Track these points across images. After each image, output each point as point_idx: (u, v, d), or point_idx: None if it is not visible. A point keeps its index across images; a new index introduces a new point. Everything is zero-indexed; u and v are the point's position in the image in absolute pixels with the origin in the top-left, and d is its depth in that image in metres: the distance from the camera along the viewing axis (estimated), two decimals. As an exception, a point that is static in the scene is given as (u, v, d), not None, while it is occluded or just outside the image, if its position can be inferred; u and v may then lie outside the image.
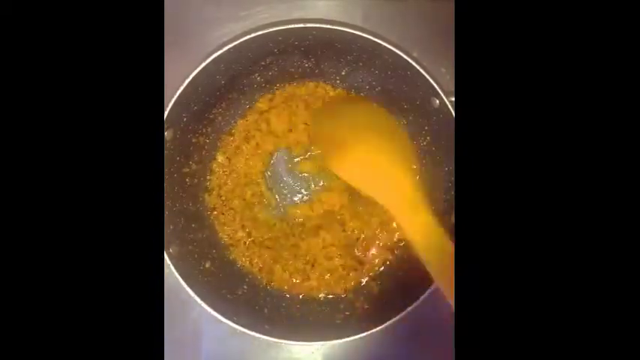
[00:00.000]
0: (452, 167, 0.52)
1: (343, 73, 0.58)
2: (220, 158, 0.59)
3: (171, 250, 0.49)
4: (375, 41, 0.49)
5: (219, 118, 0.58)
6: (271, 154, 0.60)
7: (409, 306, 0.49)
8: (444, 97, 0.49)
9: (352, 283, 0.58)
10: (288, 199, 0.60)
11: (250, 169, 0.59)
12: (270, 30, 0.49)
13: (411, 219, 0.47)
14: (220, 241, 0.58)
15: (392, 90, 0.57)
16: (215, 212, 0.59)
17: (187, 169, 0.55)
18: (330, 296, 0.58)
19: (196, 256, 0.54)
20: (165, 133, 0.49)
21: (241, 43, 0.49)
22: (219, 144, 0.59)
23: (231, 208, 0.59)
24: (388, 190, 0.50)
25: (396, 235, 0.58)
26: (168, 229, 0.50)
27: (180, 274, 0.47)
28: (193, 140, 0.56)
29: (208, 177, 0.59)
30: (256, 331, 0.49)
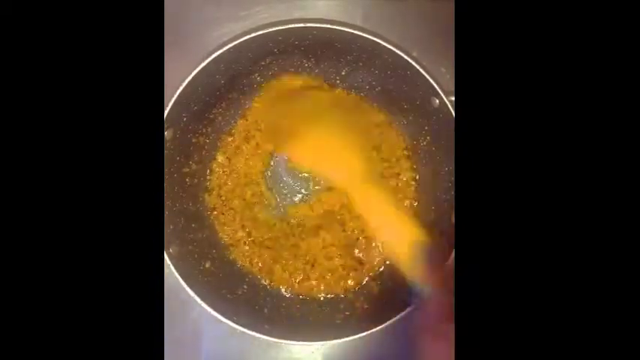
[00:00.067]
0: (452, 167, 0.52)
1: (343, 73, 0.58)
2: (220, 158, 0.59)
3: (171, 250, 0.49)
4: (375, 41, 0.49)
5: (219, 118, 0.58)
6: (271, 154, 0.60)
7: (409, 306, 0.48)
8: (443, 97, 0.49)
9: (352, 283, 0.58)
10: (288, 199, 0.60)
11: (250, 169, 0.59)
12: (270, 30, 0.49)
13: (363, 193, 0.48)
14: (220, 241, 0.58)
15: (392, 90, 0.57)
16: (215, 212, 0.59)
17: (187, 169, 0.55)
18: (330, 296, 0.58)
19: (196, 256, 0.54)
20: (165, 133, 0.49)
21: (241, 43, 0.49)
22: (219, 144, 0.59)
23: (231, 208, 0.59)
24: (340, 170, 0.51)
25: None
26: (168, 229, 0.50)
27: (180, 274, 0.47)
28: (193, 140, 0.56)
29: (208, 177, 0.59)
30: (256, 331, 0.49)
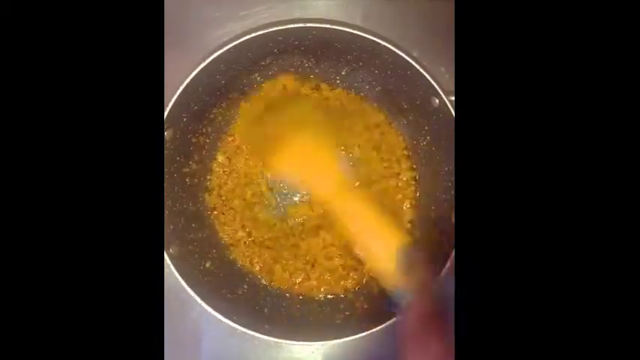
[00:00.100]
0: (452, 167, 0.52)
1: (343, 73, 0.58)
2: (220, 158, 0.59)
3: (171, 250, 0.49)
4: (374, 41, 0.49)
5: (219, 118, 0.58)
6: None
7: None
8: (443, 97, 0.49)
9: (352, 283, 0.58)
10: (288, 199, 0.60)
11: (250, 169, 0.59)
12: (270, 30, 0.49)
13: (342, 203, 0.48)
14: (220, 241, 0.58)
15: (392, 90, 0.57)
16: (215, 212, 0.59)
17: (187, 169, 0.55)
18: (330, 296, 0.58)
19: (196, 256, 0.54)
20: (165, 133, 0.49)
21: (241, 43, 0.49)
22: (219, 144, 0.59)
23: (232, 208, 0.59)
24: (319, 177, 0.51)
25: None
26: (168, 229, 0.50)
27: (180, 274, 0.47)
28: (193, 140, 0.56)
29: (208, 177, 0.59)
30: (256, 331, 0.49)
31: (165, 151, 0.50)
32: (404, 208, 0.59)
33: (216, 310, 0.48)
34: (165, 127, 0.48)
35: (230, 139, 0.59)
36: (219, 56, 0.49)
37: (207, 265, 0.55)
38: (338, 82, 0.59)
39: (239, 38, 0.49)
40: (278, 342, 0.49)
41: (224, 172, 0.59)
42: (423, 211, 0.58)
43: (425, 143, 0.57)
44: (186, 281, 0.47)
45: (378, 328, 0.48)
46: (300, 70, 0.58)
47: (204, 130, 0.57)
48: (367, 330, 0.49)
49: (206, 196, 0.58)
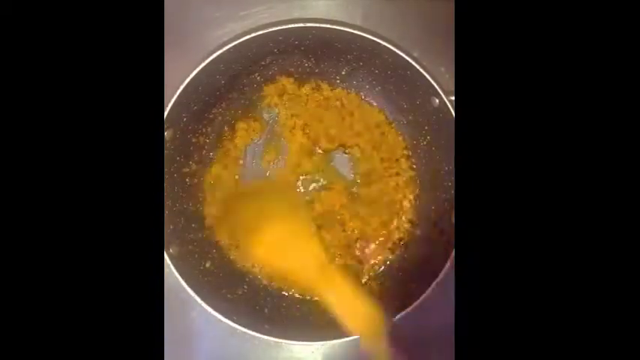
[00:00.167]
0: (452, 167, 0.52)
1: (343, 73, 0.58)
2: (218, 167, 0.59)
3: (171, 250, 0.49)
4: (374, 41, 0.49)
5: (219, 118, 0.58)
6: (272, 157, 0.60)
7: (409, 306, 0.48)
8: (443, 97, 0.49)
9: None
10: (288, 199, 0.60)
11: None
12: (270, 30, 0.49)
13: (327, 290, 0.48)
14: (220, 241, 0.58)
15: (392, 90, 0.57)
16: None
17: (187, 169, 0.55)
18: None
19: (196, 256, 0.54)
20: (165, 133, 0.49)
21: (241, 43, 0.49)
22: (219, 144, 0.59)
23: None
24: (299, 264, 0.51)
25: (396, 235, 0.58)
26: (168, 229, 0.50)
27: (180, 274, 0.47)
28: (193, 140, 0.56)
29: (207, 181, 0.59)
30: (256, 331, 0.49)
31: (165, 151, 0.50)
32: (404, 208, 0.59)
33: (216, 310, 0.48)
34: (165, 127, 0.48)
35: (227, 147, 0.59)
36: (219, 56, 0.49)
37: (207, 265, 0.55)
38: (338, 82, 0.59)
39: (239, 38, 0.49)
40: (278, 342, 0.49)
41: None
42: (423, 211, 0.58)
43: (425, 143, 0.57)
44: (186, 281, 0.47)
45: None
46: (300, 70, 0.58)
47: (204, 130, 0.57)
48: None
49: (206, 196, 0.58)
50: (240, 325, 0.48)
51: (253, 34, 0.49)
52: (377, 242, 0.58)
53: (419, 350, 0.52)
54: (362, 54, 0.53)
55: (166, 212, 0.50)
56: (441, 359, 0.56)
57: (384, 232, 0.58)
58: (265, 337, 0.49)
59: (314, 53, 0.55)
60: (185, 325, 0.56)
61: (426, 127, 0.56)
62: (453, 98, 0.49)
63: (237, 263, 0.58)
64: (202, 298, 0.48)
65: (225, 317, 0.48)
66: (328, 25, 0.49)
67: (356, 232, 0.58)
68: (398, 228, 0.58)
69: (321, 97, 0.60)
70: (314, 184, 0.60)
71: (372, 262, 0.58)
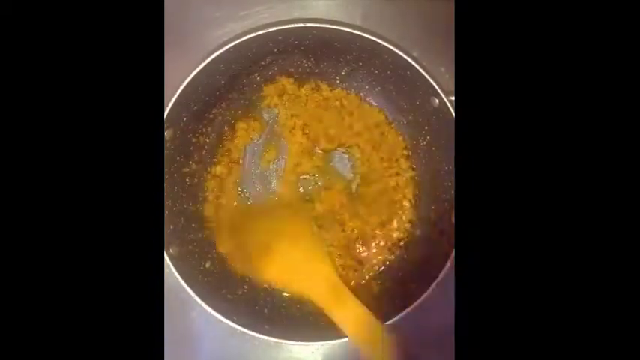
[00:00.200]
0: (452, 167, 0.52)
1: (343, 73, 0.58)
2: (218, 168, 0.59)
3: (171, 250, 0.49)
4: (374, 41, 0.49)
5: (219, 118, 0.58)
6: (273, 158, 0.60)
7: (409, 306, 0.48)
8: (443, 97, 0.49)
9: (352, 283, 0.58)
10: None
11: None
12: (270, 30, 0.49)
13: (339, 311, 0.48)
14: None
15: (392, 90, 0.57)
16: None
17: (187, 169, 0.55)
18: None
19: (196, 256, 0.54)
20: (165, 133, 0.49)
21: (241, 43, 0.49)
22: (217, 152, 0.59)
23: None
24: (311, 285, 0.51)
25: (396, 235, 0.58)
26: (168, 229, 0.50)
27: (180, 274, 0.47)
28: (193, 140, 0.56)
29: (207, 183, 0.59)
30: (256, 331, 0.49)
31: (165, 151, 0.50)
32: (404, 208, 0.59)
33: (216, 310, 0.48)
34: (165, 127, 0.48)
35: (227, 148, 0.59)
36: (219, 56, 0.49)
37: (207, 265, 0.55)
38: (338, 82, 0.59)
39: (239, 38, 0.49)
40: (278, 342, 0.49)
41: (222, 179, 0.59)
42: (423, 211, 0.58)
43: (425, 143, 0.57)
44: (186, 281, 0.47)
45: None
46: (300, 70, 0.58)
47: (204, 130, 0.57)
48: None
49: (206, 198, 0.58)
50: (240, 325, 0.48)
51: (253, 34, 0.49)
52: (377, 242, 0.58)
53: (419, 350, 0.52)
54: (362, 54, 0.53)
55: (166, 212, 0.50)
56: (441, 359, 0.56)
57: (383, 232, 0.58)
58: (265, 337, 0.49)
59: (314, 53, 0.55)
60: (185, 325, 0.56)
61: (426, 127, 0.56)
62: (453, 98, 0.49)
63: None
64: (202, 298, 0.48)
65: (225, 317, 0.48)
66: (328, 25, 0.49)
67: (356, 232, 0.58)
68: (398, 228, 0.58)
69: (321, 98, 0.60)
70: (314, 184, 0.60)
71: (373, 261, 0.58)
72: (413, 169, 0.59)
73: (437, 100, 0.50)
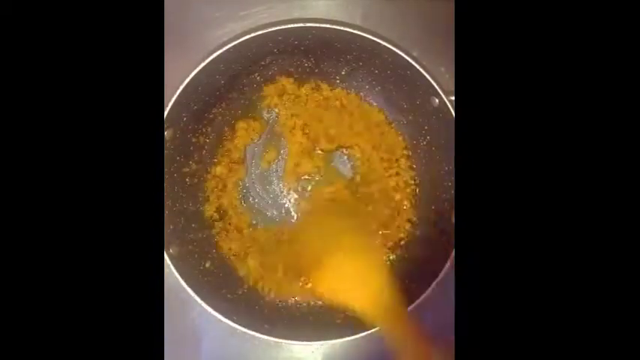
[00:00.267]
0: (452, 167, 0.52)
1: (343, 73, 0.58)
2: (219, 168, 0.59)
3: (171, 250, 0.49)
4: (374, 41, 0.49)
5: (219, 118, 0.58)
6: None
7: (409, 306, 0.48)
8: (443, 97, 0.49)
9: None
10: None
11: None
12: (270, 30, 0.49)
13: (391, 326, 0.45)
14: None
15: (392, 89, 0.57)
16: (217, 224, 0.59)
17: (187, 169, 0.55)
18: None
19: (196, 256, 0.54)
20: (165, 133, 0.49)
21: (241, 43, 0.49)
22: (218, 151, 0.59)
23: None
24: (368, 301, 0.46)
25: (396, 235, 0.58)
26: (168, 229, 0.50)
27: (180, 274, 0.47)
28: (193, 140, 0.56)
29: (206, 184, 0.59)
30: (256, 331, 0.49)
31: (165, 151, 0.50)
32: (404, 208, 0.59)
33: (216, 310, 0.48)
34: (165, 126, 0.48)
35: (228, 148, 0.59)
36: (219, 56, 0.49)
37: (207, 265, 0.55)
38: (338, 82, 0.59)
39: (239, 38, 0.49)
40: (278, 342, 0.49)
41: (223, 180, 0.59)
42: (423, 211, 0.58)
43: (425, 143, 0.57)
44: (186, 281, 0.47)
45: (378, 328, 0.48)
46: (299, 70, 0.58)
47: (204, 130, 0.57)
48: (367, 330, 0.49)
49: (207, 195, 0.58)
50: (240, 325, 0.48)
51: (253, 34, 0.49)
52: (377, 242, 0.58)
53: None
54: (362, 54, 0.53)
55: (166, 212, 0.50)
56: (441, 359, 0.55)
57: (384, 232, 0.58)
58: (265, 337, 0.49)
59: (314, 53, 0.55)
60: (185, 325, 0.56)
61: (426, 127, 0.56)
62: (453, 98, 0.49)
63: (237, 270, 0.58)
64: (202, 298, 0.48)
65: (225, 317, 0.48)
66: (328, 25, 0.49)
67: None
68: (398, 228, 0.58)
69: (321, 97, 0.60)
70: (314, 184, 0.60)
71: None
72: (413, 169, 0.59)
73: (437, 100, 0.50)
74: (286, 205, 0.59)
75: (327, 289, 0.49)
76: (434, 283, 0.48)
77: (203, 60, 0.48)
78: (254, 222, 0.59)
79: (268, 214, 0.59)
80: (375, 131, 0.59)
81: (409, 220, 0.59)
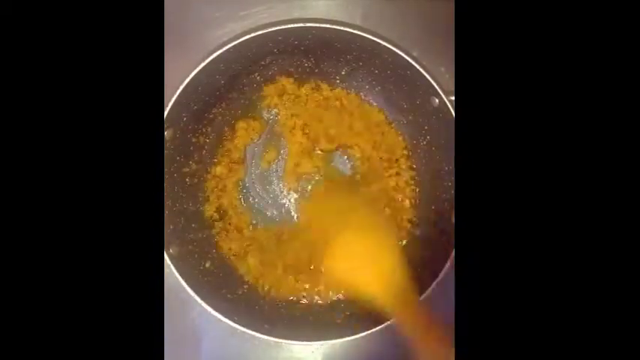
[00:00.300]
0: (452, 167, 0.52)
1: (343, 73, 0.58)
2: (219, 168, 0.59)
3: (171, 250, 0.49)
4: (374, 41, 0.49)
5: (219, 118, 0.58)
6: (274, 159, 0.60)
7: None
8: (443, 97, 0.49)
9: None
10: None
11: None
12: (270, 30, 0.49)
13: (403, 310, 0.43)
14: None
15: (392, 89, 0.57)
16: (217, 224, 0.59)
17: (187, 169, 0.55)
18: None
19: (196, 256, 0.54)
20: (165, 133, 0.49)
21: (241, 42, 0.49)
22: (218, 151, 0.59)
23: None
24: (379, 284, 0.44)
25: (397, 235, 0.58)
26: (168, 229, 0.50)
27: (180, 274, 0.47)
28: (193, 140, 0.56)
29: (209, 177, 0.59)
30: (256, 331, 0.49)
31: (165, 151, 0.50)
32: (404, 208, 0.59)
33: (216, 310, 0.48)
34: (165, 126, 0.48)
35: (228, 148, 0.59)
36: (219, 56, 0.49)
37: (207, 265, 0.55)
38: (338, 82, 0.59)
39: (239, 38, 0.49)
40: (278, 342, 0.49)
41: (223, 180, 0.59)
42: (423, 211, 0.58)
43: (425, 143, 0.57)
44: (186, 281, 0.47)
45: (378, 328, 0.48)
46: (299, 70, 0.58)
47: (204, 130, 0.57)
48: (367, 330, 0.49)
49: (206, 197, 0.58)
50: (240, 325, 0.48)
51: (253, 34, 0.49)
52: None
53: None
54: (362, 54, 0.53)
55: (166, 212, 0.50)
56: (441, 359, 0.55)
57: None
58: (265, 337, 0.49)
59: (314, 53, 0.55)
60: (185, 325, 0.56)
61: (426, 127, 0.56)
62: (453, 98, 0.49)
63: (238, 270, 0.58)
64: (202, 298, 0.48)
65: (225, 317, 0.48)
66: (328, 25, 0.49)
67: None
68: (398, 228, 0.58)
69: (321, 97, 0.60)
70: (314, 184, 0.60)
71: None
72: (413, 169, 0.59)
73: (437, 100, 0.50)
74: (286, 205, 0.59)
75: (336, 271, 0.47)
76: (434, 283, 0.48)
77: (203, 60, 0.48)
78: (254, 222, 0.59)
79: (268, 213, 0.59)
80: (375, 131, 0.59)
81: (409, 220, 0.59)
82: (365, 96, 0.60)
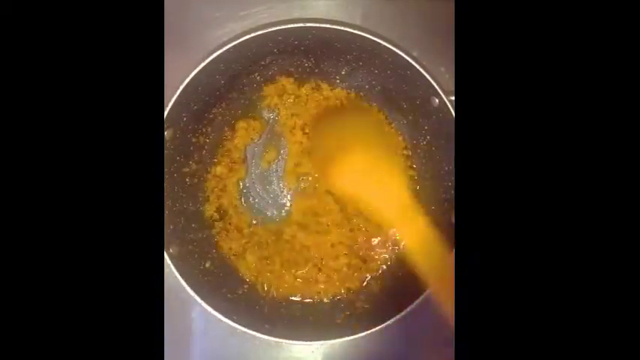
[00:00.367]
0: (452, 167, 0.52)
1: (343, 73, 0.58)
2: (219, 168, 0.59)
3: (171, 250, 0.49)
4: (374, 40, 0.49)
5: (219, 118, 0.58)
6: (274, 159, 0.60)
7: (409, 306, 0.48)
8: (443, 97, 0.49)
9: (356, 283, 0.58)
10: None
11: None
12: (270, 30, 0.49)
13: (406, 226, 0.45)
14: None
15: (392, 89, 0.57)
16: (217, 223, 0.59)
17: (187, 169, 0.55)
18: (331, 296, 0.58)
19: (196, 256, 0.54)
20: (165, 133, 0.49)
21: (241, 42, 0.49)
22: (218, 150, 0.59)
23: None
24: (384, 199, 0.46)
25: (397, 235, 0.58)
26: (168, 229, 0.50)
27: (180, 274, 0.47)
28: (193, 140, 0.56)
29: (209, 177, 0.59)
30: (256, 331, 0.49)
31: (165, 151, 0.50)
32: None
33: (216, 309, 0.48)
34: (165, 126, 0.48)
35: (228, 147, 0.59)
36: (219, 56, 0.49)
37: (207, 265, 0.55)
38: (338, 81, 0.59)
39: (239, 38, 0.49)
40: (278, 342, 0.50)
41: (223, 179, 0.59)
42: (423, 211, 0.58)
43: (425, 143, 0.57)
44: (186, 281, 0.47)
45: (378, 328, 0.49)
46: (300, 69, 0.58)
47: (204, 130, 0.57)
48: (367, 330, 0.49)
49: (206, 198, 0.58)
50: (240, 325, 0.48)
51: (253, 34, 0.49)
52: (378, 242, 0.58)
53: (418, 350, 0.52)
54: (362, 54, 0.53)
55: (166, 212, 0.50)
56: (441, 359, 0.56)
57: (384, 231, 0.58)
58: (265, 337, 0.49)
59: (314, 53, 0.55)
60: (185, 325, 0.56)
61: (426, 127, 0.56)
62: (453, 98, 0.49)
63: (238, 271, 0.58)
64: (202, 298, 0.48)
65: (225, 317, 0.48)
66: (328, 25, 0.49)
67: (363, 229, 0.58)
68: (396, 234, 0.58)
69: (321, 97, 0.60)
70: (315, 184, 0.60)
71: (375, 260, 0.58)
72: (413, 169, 0.59)
73: (437, 100, 0.50)
74: (286, 205, 0.59)
75: (343, 184, 0.48)
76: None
77: (203, 60, 0.48)
78: (254, 222, 0.59)
79: (268, 213, 0.59)
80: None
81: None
82: (365, 96, 0.60)
